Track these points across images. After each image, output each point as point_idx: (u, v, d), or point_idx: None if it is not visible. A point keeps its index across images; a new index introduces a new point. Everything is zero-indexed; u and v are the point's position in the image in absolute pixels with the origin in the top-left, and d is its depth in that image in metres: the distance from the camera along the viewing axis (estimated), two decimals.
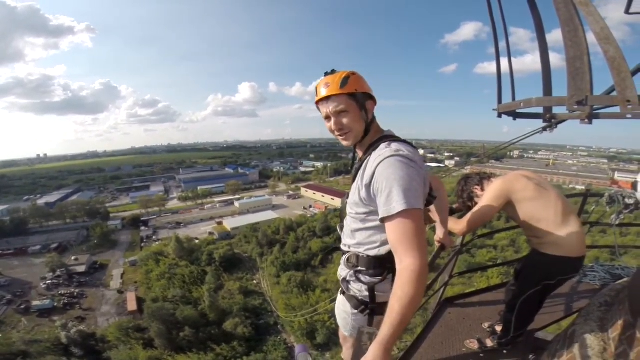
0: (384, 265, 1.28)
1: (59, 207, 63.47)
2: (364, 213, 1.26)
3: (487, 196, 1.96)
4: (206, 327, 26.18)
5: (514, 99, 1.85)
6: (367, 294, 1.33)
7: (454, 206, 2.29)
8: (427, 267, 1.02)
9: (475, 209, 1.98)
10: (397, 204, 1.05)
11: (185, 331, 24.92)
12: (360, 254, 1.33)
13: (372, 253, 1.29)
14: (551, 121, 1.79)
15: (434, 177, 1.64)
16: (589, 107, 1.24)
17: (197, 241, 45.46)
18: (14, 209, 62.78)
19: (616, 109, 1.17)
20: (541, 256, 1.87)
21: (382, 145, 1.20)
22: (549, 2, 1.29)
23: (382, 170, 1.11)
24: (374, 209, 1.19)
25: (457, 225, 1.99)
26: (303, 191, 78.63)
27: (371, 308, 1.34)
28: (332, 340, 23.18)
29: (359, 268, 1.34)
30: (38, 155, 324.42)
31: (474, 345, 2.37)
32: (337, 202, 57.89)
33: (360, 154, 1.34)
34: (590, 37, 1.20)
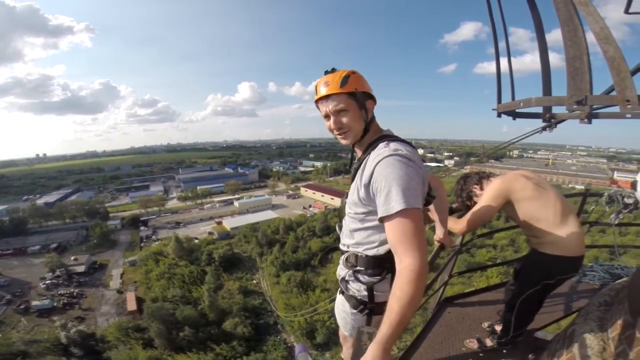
0: (382, 265, 1.28)
1: (58, 207, 63.42)
2: (363, 213, 1.26)
3: (486, 196, 1.96)
4: (206, 326, 26.17)
5: (513, 98, 1.85)
6: (366, 293, 1.33)
7: (454, 206, 2.29)
8: (426, 266, 1.02)
9: (475, 208, 1.98)
10: (396, 204, 1.04)
11: (185, 331, 24.91)
12: (359, 254, 1.33)
13: (371, 253, 1.29)
14: (550, 121, 1.80)
15: (433, 176, 1.64)
16: (588, 107, 1.24)
17: (196, 241, 45.41)
18: (13, 208, 62.65)
19: (615, 109, 1.17)
20: (540, 255, 1.87)
21: (381, 145, 1.20)
22: (549, 2, 1.29)
23: (380, 170, 1.11)
24: (372, 208, 1.19)
25: (457, 224, 2.00)
26: (302, 191, 78.63)
27: (370, 308, 1.34)
28: (331, 340, 23.19)
29: (358, 268, 1.34)
30: (37, 155, 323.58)
31: (473, 344, 2.37)
32: (336, 202, 57.89)
33: (359, 153, 1.34)
34: (590, 37, 1.20)
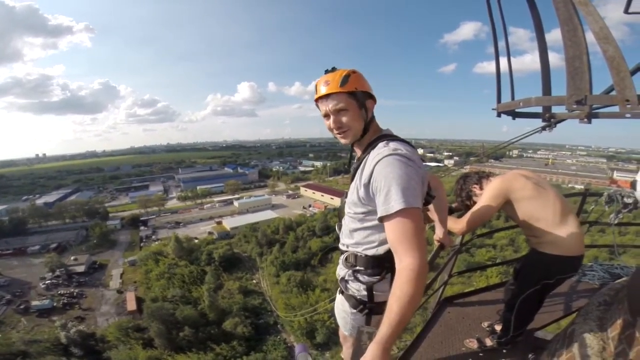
0: (382, 265, 1.28)
1: (58, 207, 63.39)
2: (362, 213, 1.26)
3: (486, 195, 1.95)
4: (206, 326, 26.16)
5: (513, 98, 1.85)
6: (365, 293, 1.33)
7: (453, 205, 2.29)
8: (426, 266, 1.02)
9: (474, 208, 1.98)
10: (396, 203, 1.04)
11: (185, 331, 24.90)
12: (359, 254, 1.33)
13: (370, 252, 1.29)
14: (550, 120, 1.80)
15: (433, 176, 1.64)
16: (588, 107, 1.24)
17: (196, 241, 45.40)
18: (12, 208, 62.55)
19: (615, 109, 1.17)
20: (540, 255, 1.87)
21: (381, 144, 1.20)
22: (548, 2, 1.29)
23: (380, 169, 1.11)
24: (372, 208, 1.19)
25: (457, 224, 1.99)
26: (302, 190, 78.61)
27: (370, 307, 1.34)
28: (331, 340, 23.19)
29: (357, 267, 1.34)
30: (37, 155, 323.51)
31: (473, 344, 2.37)
32: (336, 202, 57.90)
33: (358, 152, 1.34)
34: (590, 37, 1.20)
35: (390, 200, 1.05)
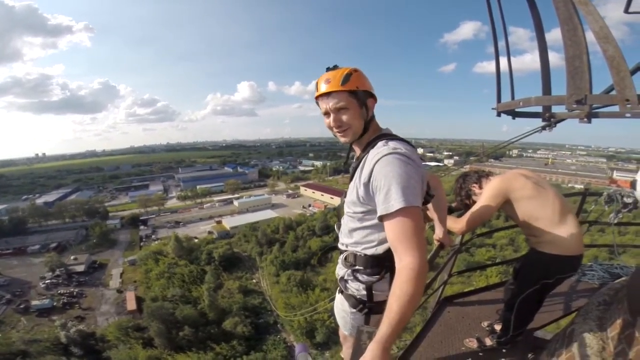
0: (381, 264, 1.28)
1: (58, 206, 63.38)
2: (362, 212, 1.26)
3: (486, 195, 1.95)
4: (205, 326, 26.18)
5: (513, 98, 1.85)
6: (364, 292, 1.33)
7: (453, 205, 2.29)
8: (426, 265, 1.01)
9: (474, 208, 1.97)
10: (396, 202, 1.04)
11: (185, 330, 24.92)
12: (358, 253, 1.33)
13: (370, 252, 1.29)
14: (550, 120, 1.80)
15: (432, 175, 1.64)
16: (588, 106, 1.23)
17: (196, 240, 45.40)
18: (12, 208, 62.56)
19: (615, 108, 1.17)
20: (539, 255, 1.87)
21: (380, 144, 1.20)
22: (548, 2, 1.29)
23: (380, 168, 1.10)
24: (371, 207, 1.19)
25: (456, 224, 1.99)
26: (302, 190, 78.60)
27: (369, 307, 1.34)
28: (331, 339, 23.21)
29: (357, 267, 1.34)
30: (36, 154, 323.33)
31: (473, 344, 2.37)
32: (336, 201, 57.77)
33: (357, 151, 1.34)
34: (590, 36, 1.19)
35: (390, 199, 1.05)
